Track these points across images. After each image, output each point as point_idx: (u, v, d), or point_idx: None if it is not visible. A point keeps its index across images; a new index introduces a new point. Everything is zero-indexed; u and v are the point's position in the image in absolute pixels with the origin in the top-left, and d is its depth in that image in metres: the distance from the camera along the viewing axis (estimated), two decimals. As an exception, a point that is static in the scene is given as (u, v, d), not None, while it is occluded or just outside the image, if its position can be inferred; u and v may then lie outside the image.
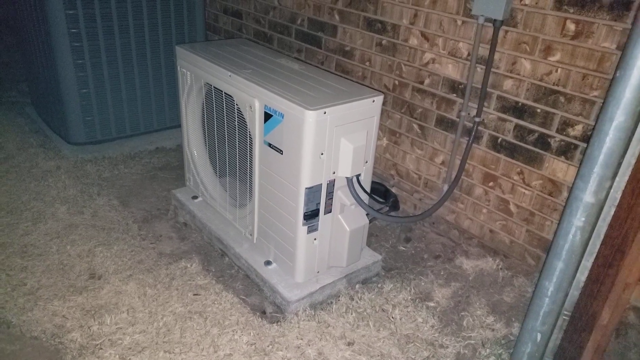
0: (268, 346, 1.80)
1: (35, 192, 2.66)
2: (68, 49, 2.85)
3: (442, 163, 2.41)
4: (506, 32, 1.99)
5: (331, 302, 2.02)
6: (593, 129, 1.01)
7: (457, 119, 2.27)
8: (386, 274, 2.22)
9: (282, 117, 1.83)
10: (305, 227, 1.90)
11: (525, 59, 1.97)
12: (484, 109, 2.15)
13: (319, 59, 2.88)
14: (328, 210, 1.94)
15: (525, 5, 1.91)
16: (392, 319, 1.95)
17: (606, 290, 1.14)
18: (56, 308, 1.92)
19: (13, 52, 4.51)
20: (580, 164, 0.98)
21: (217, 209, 2.39)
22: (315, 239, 1.96)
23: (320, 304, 2.02)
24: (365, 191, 2.01)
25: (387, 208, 2.54)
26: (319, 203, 1.89)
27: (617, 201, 1.06)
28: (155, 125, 3.36)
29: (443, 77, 2.28)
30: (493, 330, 1.93)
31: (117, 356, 1.73)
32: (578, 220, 1.03)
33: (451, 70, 2.24)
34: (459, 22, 2.14)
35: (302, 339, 1.84)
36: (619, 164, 0.95)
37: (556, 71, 1.89)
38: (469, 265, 2.26)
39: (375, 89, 2.12)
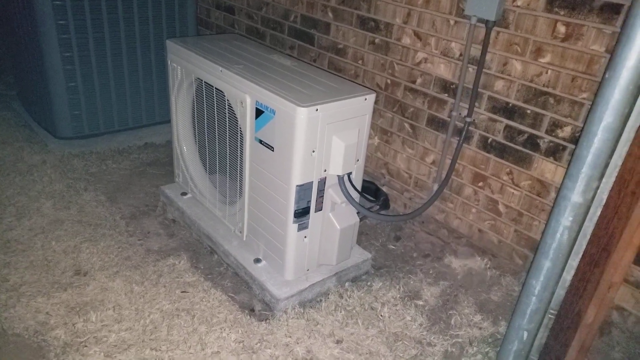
0: (256, 344, 1.80)
1: (20, 187, 2.61)
2: (55, 42, 2.80)
3: (433, 162, 2.42)
4: (498, 32, 2.01)
5: (320, 300, 2.02)
6: (581, 130, 1.02)
7: (448, 119, 2.28)
8: (376, 272, 2.23)
9: (274, 114, 1.82)
10: (296, 225, 1.89)
11: (516, 60, 1.98)
12: (475, 109, 2.16)
13: (311, 56, 2.87)
14: (319, 208, 1.93)
15: (517, 6, 1.92)
16: (381, 317, 1.96)
17: (592, 289, 1.16)
18: (40, 305, 1.89)
19: (-1, 44, 4.43)
20: (569, 164, 0.99)
21: (206, 206, 2.37)
22: (305, 237, 1.95)
23: (310, 302, 2.01)
24: (356, 189, 2.01)
25: (378, 207, 2.54)
26: (310, 201, 1.89)
27: (604, 201, 1.08)
28: (144, 121, 3.32)
29: (435, 76, 2.28)
30: (480, 328, 1.94)
31: (102, 354, 1.71)
32: (566, 219, 1.04)
33: (443, 70, 2.24)
34: (452, 22, 2.15)
35: (290, 337, 1.83)
36: (607, 165, 0.97)
37: (546, 73, 1.90)
38: (457, 265, 2.27)
39: (368, 88, 2.12)
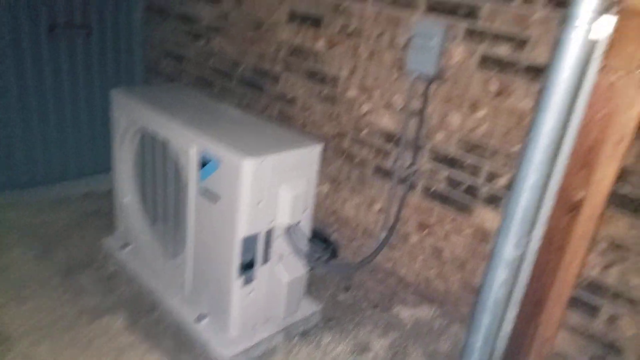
0: (198, 409, 1.68)
1: (-58, 241, 2.41)
2: (-9, 88, 2.69)
3: (380, 211, 2.45)
4: (437, 87, 2.11)
5: (268, 358, 1.94)
6: (510, 188, 1.07)
7: (393, 168, 2.33)
8: (325, 325, 2.18)
9: (219, 164, 1.80)
10: (241, 279, 1.84)
11: (454, 113, 2.08)
12: (418, 159, 2.23)
13: (261, 105, 2.90)
14: (265, 260, 1.89)
15: (454, 63, 2.04)
16: (331, 373, 1.90)
17: (529, 343, 1.17)
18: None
19: None
20: (501, 221, 1.03)
21: (148, 259, 2.26)
22: (251, 291, 1.89)
23: (256, 360, 1.93)
24: (304, 239, 1.99)
25: (327, 256, 2.52)
26: (256, 253, 1.85)
27: (534, 257, 1.12)
28: (86, 170, 3.19)
29: (380, 127, 2.35)
30: (431, 380, 1.92)
31: None
32: (500, 275, 1.07)
33: (387, 121, 2.32)
34: (395, 76, 2.24)
35: (235, 399, 1.73)
36: (535, 221, 1.01)
37: (482, 125, 2.01)
38: (406, 314, 2.27)
39: (317, 136, 2.15)
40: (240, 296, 1.86)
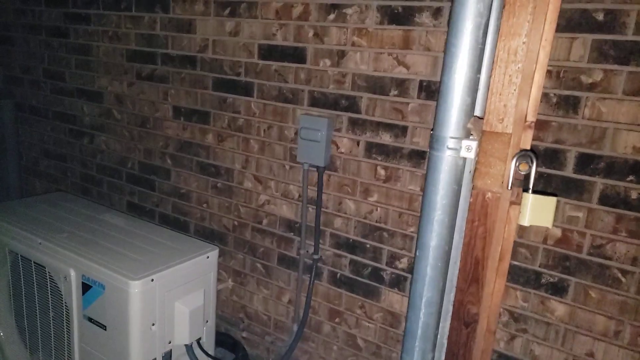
0: None
1: None
2: None
3: (289, 302, 2.37)
4: (329, 176, 2.15)
5: None
6: (407, 305, 1.06)
7: (297, 257, 2.29)
8: None
9: (104, 288, 1.63)
10: (138, 415, 1.63)
11: (349, 199, 2.12)
12: (320, 246, 2.22)
13: (153, 201, 2.75)
14: (165, 387, 1.71)
15: (342, 153, 2.10)
16: None
17: None
18: None
19: None
20: (403, 338, 1.02)
21: (28, 401, 1.95)
22: None
23: None
24: (208, 355, 1.84)
25: (238, 361, 2.36)
26: (153, 382, 1.66)
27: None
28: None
29: (279, 217, 2.32)
30: None
31: None
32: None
33: (286, 210, 2.30)
34: (287, 167, 2.25)
35: None
36: (436, 336, 1.01)
37: (376, 210, 2.06)
38: (328, 410, 2.16)
39: (216, 231, 2.05)
40: None
